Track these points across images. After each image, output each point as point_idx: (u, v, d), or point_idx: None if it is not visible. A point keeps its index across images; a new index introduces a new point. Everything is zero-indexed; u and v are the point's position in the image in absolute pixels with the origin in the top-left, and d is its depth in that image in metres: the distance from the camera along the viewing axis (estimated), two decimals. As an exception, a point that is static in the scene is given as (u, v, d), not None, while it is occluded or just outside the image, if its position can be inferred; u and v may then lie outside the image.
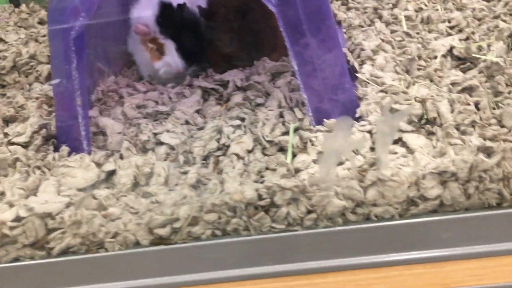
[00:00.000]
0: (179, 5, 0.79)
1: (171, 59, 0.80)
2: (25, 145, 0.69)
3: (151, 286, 0.54)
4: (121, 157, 0.68)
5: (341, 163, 0.55)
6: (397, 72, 0.75)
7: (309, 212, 0.53)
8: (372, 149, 0.57)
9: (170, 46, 0.79)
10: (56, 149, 0.69)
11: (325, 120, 0.65)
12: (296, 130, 0.66)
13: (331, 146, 0.56)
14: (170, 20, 0.78)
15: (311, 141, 0.63)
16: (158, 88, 0.84)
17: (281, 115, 0.70)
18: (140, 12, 0.83)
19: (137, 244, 0.55)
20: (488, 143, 0.54)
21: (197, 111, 0.77)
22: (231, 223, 0.54)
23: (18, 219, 0.54)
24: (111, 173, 0.65)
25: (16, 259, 0.54)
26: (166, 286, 0.54)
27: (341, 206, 0.52)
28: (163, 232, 0.54)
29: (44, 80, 0.91)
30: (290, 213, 0.53)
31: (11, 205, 0.57)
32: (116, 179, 0.63)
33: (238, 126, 0.69)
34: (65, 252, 0.54)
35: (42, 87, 0.87)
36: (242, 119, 0.71)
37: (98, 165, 0.66)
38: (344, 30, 0.91)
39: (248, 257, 0.53)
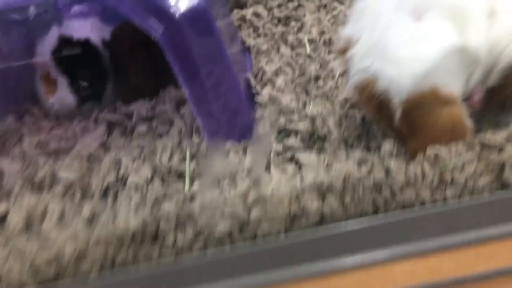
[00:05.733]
0: (77, 39, 0.79)
1: (63, 95, 0.79)
2: None
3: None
4: (16, 198, 0.65)
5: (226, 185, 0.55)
6: (296, 93, 0.77)
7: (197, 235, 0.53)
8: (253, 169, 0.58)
9: (62, 81, 0.78)
10: None
11: (221, 145, 0.65)
12: (193, 156, 0.66)
13: (219, 168, 0.56)
14: (66, 54, 0.77)
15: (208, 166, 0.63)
16: (64, 124, 0.83)
17: (180, 142, 0.70)
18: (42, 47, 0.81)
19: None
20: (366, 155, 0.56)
21: (102, 145, 0.76)
22: (120, 255, 0.52)
23: None
24: (5, 216, 0.63)
25: None
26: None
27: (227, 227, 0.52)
28: (48, 270, 0.52)
29: None
30: (178, 239, 0.52)
31: None
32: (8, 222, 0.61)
33: (138, 156, 0.69)
34: None
35: None
36: (142, 149, 0.70)
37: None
38: (253, 55, 0.93)
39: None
